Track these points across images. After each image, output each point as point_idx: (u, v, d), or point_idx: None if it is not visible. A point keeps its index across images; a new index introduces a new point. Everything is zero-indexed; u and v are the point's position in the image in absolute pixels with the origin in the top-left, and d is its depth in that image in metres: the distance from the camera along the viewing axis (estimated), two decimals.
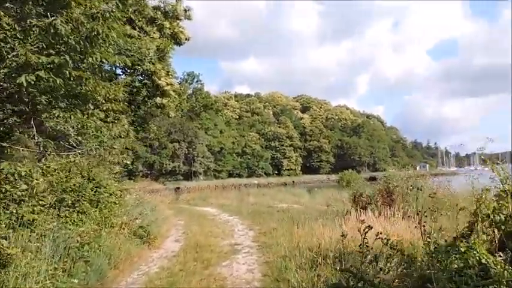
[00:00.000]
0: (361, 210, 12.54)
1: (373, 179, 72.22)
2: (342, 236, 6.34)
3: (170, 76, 20.54)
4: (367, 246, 7.09)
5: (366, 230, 5.49)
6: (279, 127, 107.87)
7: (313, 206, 19.56)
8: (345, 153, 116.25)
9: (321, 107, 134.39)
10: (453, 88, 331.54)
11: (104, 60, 7.61)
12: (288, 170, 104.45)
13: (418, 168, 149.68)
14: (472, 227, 5.60)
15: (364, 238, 5.47)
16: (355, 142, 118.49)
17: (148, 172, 77.03)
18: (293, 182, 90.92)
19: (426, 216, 11.71)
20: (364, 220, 10.03)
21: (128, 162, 14.19)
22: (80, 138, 9.38)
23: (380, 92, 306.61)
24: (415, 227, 8.55)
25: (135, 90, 18.86)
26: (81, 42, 6.88)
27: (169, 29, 20.69)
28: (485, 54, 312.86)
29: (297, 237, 10.06)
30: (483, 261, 4.48)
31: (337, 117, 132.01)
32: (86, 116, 8.78)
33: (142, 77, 19.45)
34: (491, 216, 5.29)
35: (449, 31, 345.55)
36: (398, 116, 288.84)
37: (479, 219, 5.30)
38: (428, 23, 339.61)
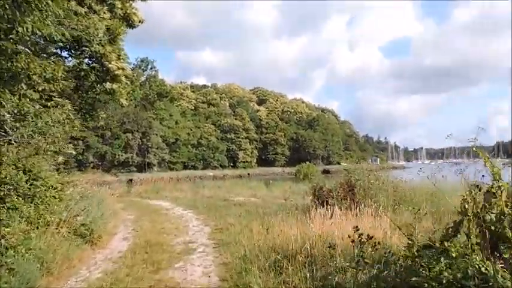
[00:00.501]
0: (323, 205, 11.96)
1: (326, 172, 73.39)
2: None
3: (122, 60, 19.12)
4: (334, 248, 6.51)
5: (361, 238, 4.87)
6: (235, 119, 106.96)
7: (271, 200, 18.91)
8: (300, 146, 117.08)
9: (277, 100, 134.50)
10: (404, 85, 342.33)
11: (37, 32, 6.46)
12: (244, 162, 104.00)
13: (369, 161, 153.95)
14: (457, 227, 4.98)
15: (360, 245, 4.77)
16: (310, 135, 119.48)
17: (100, 163, 74.14)
18: (248, 174, 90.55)
19: (394, 211, 11.31)
20: (331, 217, 9.45)
21: (72, 152, 12.85)
22: (17, 124, 8.20)
23: (335, 87, 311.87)
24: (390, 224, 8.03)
25: (82, 74, 17.44)
26: (8, 7, 5.76)
27: (121, 9, 19.27)
28: (436, 53, 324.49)
29: (257, 234, 9.30)
30: (483, 270, 3.83)
31: (293, 110, 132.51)
32: (18, 97, 7.57)
33: (90, 60, 18.03)
34: (481, 215, 4.71)
35: (402, 30, 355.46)
36: (352, 111, 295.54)
37: (467, 218, 4.66)
38: (382, 21, 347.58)
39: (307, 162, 34.89)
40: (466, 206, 4.88)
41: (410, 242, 5.10)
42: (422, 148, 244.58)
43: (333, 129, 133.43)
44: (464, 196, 4.94)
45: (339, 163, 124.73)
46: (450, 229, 5.13)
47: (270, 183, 25.77)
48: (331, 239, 6.63)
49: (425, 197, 11.97)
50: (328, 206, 11.55)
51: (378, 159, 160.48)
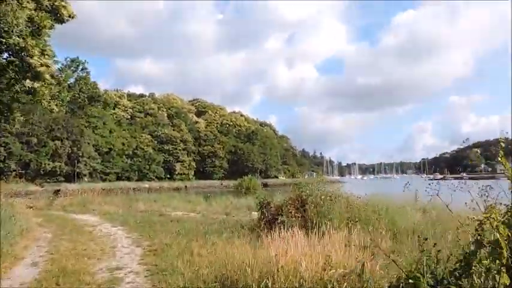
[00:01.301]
0: (271, 223, 10.68)
1: (265, 185, 72.63)
2: None
3: (47, 56, 16.96)
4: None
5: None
6: (173, 130, 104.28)
7: (212, 215, 17.42)
8: (239, 159, 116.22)
9: (216, 112, 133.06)
10: (338, 103, 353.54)
11: None
12: (181, 174, 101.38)
13: (306, 176, 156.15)
14: (471, 261, 3.80)
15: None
16: (249, 149, 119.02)
17: (24, 172, 68.66)
18: (186, 187, 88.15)
19: (350, 230, 10.22)
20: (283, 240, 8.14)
21: None
22: None
23: (273, 102, 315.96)
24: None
25: None
26: None
27: (49, 0, 17.20)
28: (366, 74, 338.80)
29: (199, 258, 7.82)
30: None
31: (232, 123, 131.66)
32: None
33: (8, 53, 15.80)
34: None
35: (336, 50, 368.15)
36: (289, 126, 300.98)
37: (500, 251, 3.48)
38: (318, 41, 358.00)
39: (249, 176, 33.60)
40: (483, 234, 3.75)
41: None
42: (355, 163, 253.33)
43: (271, 143, 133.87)
44: (480, 219, 3.80)
45: (276, 177, 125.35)
46: (457, 264, 3.96)
47: (209, 197, 24.20)
48: (298, 272, 5.30)
49: (378, 213, 11.05)
50: (278, 225, 10.30)
51: (314, 173, 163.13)
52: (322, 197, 10.73)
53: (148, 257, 8.96)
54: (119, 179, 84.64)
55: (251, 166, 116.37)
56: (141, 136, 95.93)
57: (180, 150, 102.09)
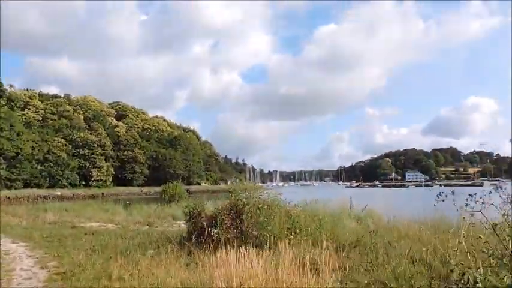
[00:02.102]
0: (202, 236, 9.46)
1: (187, 192, 70.47)
2: None
3: None
4: None
5: None
6: (90, 134, 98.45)
7: (133, 226, 15.74)
8: (160, 165, 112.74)
9: (137, 116, 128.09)
10: (261, 111, 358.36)
11: None
12: (98, 181, 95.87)
13: (229, 182, 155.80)
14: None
15: None
16: (171, 154, 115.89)
17: None
18: (103, 194, 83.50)
19: (290, 243, 9.26)
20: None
21: None
22: None
23: (197, 108, 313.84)
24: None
25: None
26: None
27: None
28: (289, 83, 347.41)
29: (119, 285, 6.42)
30: None
31: (154, 128, 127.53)
32: None
33: None
34: None
35: (260, 59, 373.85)
36: (212, 133, 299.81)
37: None
38: (243, 49, 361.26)
39: (174, 182, 31.80)
40: None
41: None
42: (276, 171, 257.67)
43: (194, 149, 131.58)
44: None
45: (199, 183, 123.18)
46: None
47: (129, 205, 22.23)
48: None
49: (319, 223, 10.26)
50: (211, 238, 9.13)
51: (237, 180, 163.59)
52: (260, 206, 9.70)
53: (54, 282, 7.32)
54: (26, 186, 77.79)
55: (173, 172, 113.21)
56: (54, 140, 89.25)
57: (97, 155, 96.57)
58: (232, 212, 9.49)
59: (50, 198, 62.90)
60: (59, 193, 74.60)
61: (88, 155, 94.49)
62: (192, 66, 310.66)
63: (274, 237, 9.05)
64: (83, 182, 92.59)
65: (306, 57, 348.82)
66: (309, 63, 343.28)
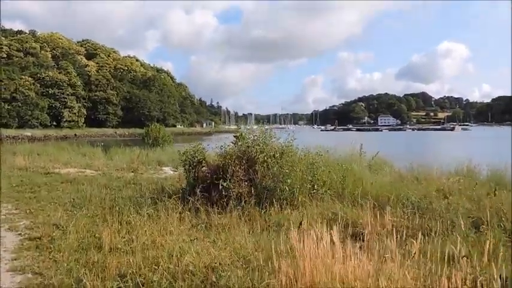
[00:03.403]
0: (208, 192, 7.92)
1: None
2: None
3: None
4: None
5: None
6: (60, 73, 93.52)
7: (115, 173, 14.03)
8: (134, 107, 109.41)
9: (109, 56, 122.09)
10: (236, 53, 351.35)
11: None
12: (70, 121, 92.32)
13: (205, 125, 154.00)
14: None
15: None
16: (145, 95, 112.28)
17: None
18: (75, 135, 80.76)
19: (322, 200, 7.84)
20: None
21: None
22: None
23: (169, 50, 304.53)
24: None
25: None
26: None
27: None
28: (264, 26, 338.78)
29: (115, 261, 4.88)
30: None
31: (126, 68, 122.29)
32: None
33: None
34: None
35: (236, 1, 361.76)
36: (186, 75, 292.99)
37: None
38: None
39: (156, 124, 29.72)
40: None
41: None
42: (251, 114, 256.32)
43: (169, 91, 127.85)
44: None
45: (174, 125, 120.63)
46: None
47: (107, 149, 20.31)
48: None
49: (343, 175, 8.85)
50: (219, 193, 7.62)
51: (213, 122, 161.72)
52: (276, 155, 8.15)
53: (27, 253, 5.66)
54: None
55: (148, 114, 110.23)
56: (21, 78, 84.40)
57: (68, 95, 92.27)
58: (244, 161, 7.90)
59: (19, 139, 59.98)
60: (29, 134, 71.44)
61: (58, 95, 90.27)
62: (163, 5, 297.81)
63: (294, 191, 7.61)
64: (54, 123, 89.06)
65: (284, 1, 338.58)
66: (284, 6, 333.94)
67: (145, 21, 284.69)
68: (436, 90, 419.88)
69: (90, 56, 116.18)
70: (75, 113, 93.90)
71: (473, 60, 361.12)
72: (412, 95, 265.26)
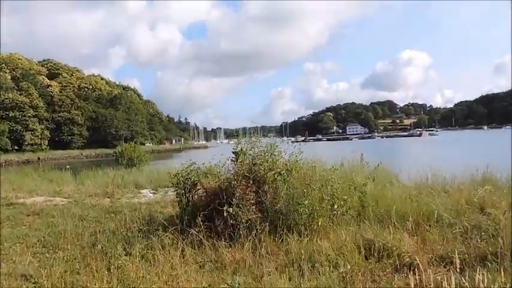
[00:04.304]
0: (209, 221, 6.61)
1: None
2: None
3: None
4: None
5: None
6: (20, 94, 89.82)
7: (88, 200, 12.44)
8: (101, 126, 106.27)
9: (72, 75, 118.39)
10: (203, 68, 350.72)
11: None
12: (32, 145, 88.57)
13: (174, 142, 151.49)
14: None
15: None
16: (112, 114, 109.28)
17: None
18: (39, 158, 77.14)
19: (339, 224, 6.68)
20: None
21: None
22: None
23: (135, 67, 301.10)
24: None
25: None
26: None
27: None
28: (230, 39, 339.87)
29: None
30: None
31: (91, 87, 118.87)
32: None
33: None
34: None
35: (200, 14, 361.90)
36: (153, 91, 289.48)
37: None
38: (182, 4, 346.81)
39: (131, 142, 27.94)
40: None
41: None
42: (221, 128, 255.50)
43: (137, 109, 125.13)
44: None
45: (143, 143, 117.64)
46: None
47: (76, 172, 18.52)
48: None
49: (360, 190, 7.72)
50: (223, 219, 6.36)
51: (182, 139, 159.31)
52: (282, 172, 6.95)
53: None
54: None
55: (115, 133, 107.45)
56: None
57: (29, 117, 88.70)
58: (251, 181, 6.64)
59: None
60: None
61: (19, 118, 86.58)
62: (127, 22, 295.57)
63: (313, 214, 6.43)
64: (16, 147, 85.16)
65: (247, 12, 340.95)
66: (249, 19, 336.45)
67: (109, 38, 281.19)
68: (400, 98, 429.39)
69: (52, 76, 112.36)
70: (37, 136, 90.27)
71: (434, 66, 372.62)
72: (378, 103, 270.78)
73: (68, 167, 21.28)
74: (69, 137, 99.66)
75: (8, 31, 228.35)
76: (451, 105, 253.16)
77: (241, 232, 6.05)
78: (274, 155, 7.16)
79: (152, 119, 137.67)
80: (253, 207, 6.46)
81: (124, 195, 13.52)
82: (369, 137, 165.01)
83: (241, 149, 7.70)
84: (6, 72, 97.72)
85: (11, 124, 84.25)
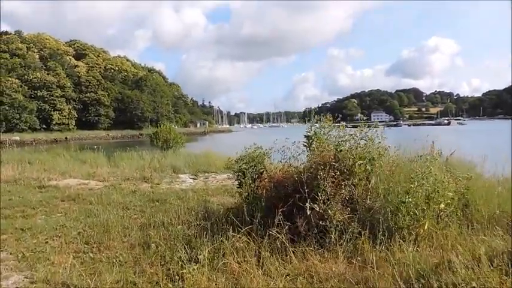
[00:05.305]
0: (288, 219, 5.36)
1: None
2: None
3: None
4: None
5: None
6: (48, 74, 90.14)
7: (126, 184, 11.38)
8: (126, 108, 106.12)
9: (98, 56, 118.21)
10: (226, 52, 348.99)
11: None
12: (60, 124, 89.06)
13: (198, 125, 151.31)
14: None
15: None
16: (138, 96, 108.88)
17: None
18: (66, 138, 77.67)
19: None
20: None
21: None
22: None
23: (159, 49, 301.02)
24: None
25: None
26: None
27: None
28: (254, 23, 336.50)
29: None
30: None
31: (117, 68, 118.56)
32: None
33: None
34: None
35: None
36: (177, 74, 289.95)
37: None
38: None
39: (166, 124, 26.80)
40: None
41: None
42: (244, 113, 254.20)
43: (162, 91, 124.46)
44: None
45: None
46: None
47: (112, 153, 17.40)
48: None
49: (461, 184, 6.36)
50: (305, 219, 5.11)
51: (207, 122, 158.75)
52: (375, 161, 5.64)
53: None
54: None
55: (140, 115, 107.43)
56: (8, 80, 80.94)
57: (57, 97, 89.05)
58: (337, 171, 5.36)
59: (7, 143, 56.71)
60: (17, 138, 68.12)
61: (47, 97, 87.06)
62: (152, 4, 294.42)
63: (418, 216, 5.14)
64: (44, 126, 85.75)
65: None
66: (273, 3, 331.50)
67: (135, 21, 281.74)
68: (426, 86, 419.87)
69: (79, 57, 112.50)
70: (65, 116, 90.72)
71: (461, 54, 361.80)
72: (404, 90, 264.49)
73: (95, 147, 20.41)
74: (96, 118, 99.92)
75: (36, 11, 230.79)
76: (478, 95, 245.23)
77: (332, 236, 4.81)
78: (365, 140, 5.81)
79: (177, 101, 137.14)
80: (344, 205, 5.20)
81: (162, 180, 12.47)
82: (395, 125, 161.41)
83: (315, 133, 6.43)
84: (34, 52, 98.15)
85: (39, 103, 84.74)
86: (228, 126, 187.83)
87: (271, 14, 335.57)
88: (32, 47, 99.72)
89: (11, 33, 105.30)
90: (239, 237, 4.89)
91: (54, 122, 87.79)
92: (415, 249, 4.79)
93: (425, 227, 5.10)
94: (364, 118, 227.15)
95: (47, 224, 6.84)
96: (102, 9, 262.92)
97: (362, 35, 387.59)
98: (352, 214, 5.11)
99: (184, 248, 4.91)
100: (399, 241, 4.90)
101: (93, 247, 5.48)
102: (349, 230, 4.90)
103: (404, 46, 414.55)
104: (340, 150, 5.65)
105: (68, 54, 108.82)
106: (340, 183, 5.23)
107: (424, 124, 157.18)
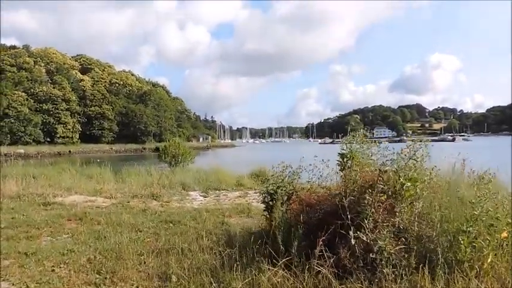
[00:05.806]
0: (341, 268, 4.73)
1: (158, 150, 64.91)
2: None
3: None
4: None
5: None
6: (54, 88, 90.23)
7: (135, 202, 10.77)
8: (130, 122, 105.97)
9: (104, 70, 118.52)
10: (229, 67, 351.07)
11: None
12: (64, 137, 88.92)
13: (201, 139, 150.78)
14: None
15: None
16: (141, 110, 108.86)
17: None
18: (70, 151, 77.33)
19: None
20: None
21: None
22: None
23: (164, 65, 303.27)
24: None
25: None
26: None
27: None
28: (257, 40, 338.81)
29: None
30: None
31: (122, 82, 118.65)
32: None
33: None
34: None
35: (229, 15, 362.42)
36: (180, 89, 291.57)
37: None
38: (211, 4, 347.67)
39: (175, 139, 26.23)
40: None
41: None
42: (246, 128, 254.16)
43: (166, 105, 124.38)
44: None
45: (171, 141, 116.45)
46: None
47: (120, 169, 16.76)
48: None
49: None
50: (349, 251, 4.48)
51: (209, 137, 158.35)
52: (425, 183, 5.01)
53: None
54: None
55: (144, 129, 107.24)
56: (14, 94, 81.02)
57: (62, 110, 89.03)
58: (385, 196, 4.74)
59: (11, 156, 56.27)
60: (21, 151, 67.76)
61: (52, 111, 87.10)
62: (157, 21, 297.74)
63: (481, 248, 4.49)
64: (48, 139, 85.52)
65: (275, 13, 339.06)
66: (277, 20, 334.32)
67: (139, 37, 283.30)
68: (428, 102, 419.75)
69: (84, 71, 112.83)
70: (69, 129, 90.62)
71: (463, 70, 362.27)
72: (407, 106, 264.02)
73: (98, 160, 19.86)
74: (100, 131, 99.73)
75: (43, 26, 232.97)
76: (481, 111, 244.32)
77: (384, 270, 4.16)
78: (415, 160, 5.17)
79: (180, 116, 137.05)
80: (394, 234, 4.56)
81: (172, 197, 11.84)
82: (399, 141, 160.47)
83: (351, 151, 5.83)
84: (41, 66, 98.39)
85: (44, 116, 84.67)
86: (230, 141, 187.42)
87: (274, 29, 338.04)
88: (39, 61, 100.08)
89: (19, 48, 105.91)
90: (276, 270, 4.24)
91: (58, 135, 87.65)
92: (478, 286, 4.14)
93: (489, 260, 4.46)
94: (368, 134, 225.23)
95: (53, 248, 6.20)
96: (108, 26, 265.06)
97: (365, 51, 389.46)
98: (404, 245, 4.47)
99: (211, 282, 4.27)
100: (461, 276, 4.26)
101: (105, 277, 4.83)
102: (403, 264, 4.25)
103: (407, 62, 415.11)
104: (385, 171, 5.02)
105: (74, 69, 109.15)
106: (391, 209, 4.60)
107: (428, 140, 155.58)
